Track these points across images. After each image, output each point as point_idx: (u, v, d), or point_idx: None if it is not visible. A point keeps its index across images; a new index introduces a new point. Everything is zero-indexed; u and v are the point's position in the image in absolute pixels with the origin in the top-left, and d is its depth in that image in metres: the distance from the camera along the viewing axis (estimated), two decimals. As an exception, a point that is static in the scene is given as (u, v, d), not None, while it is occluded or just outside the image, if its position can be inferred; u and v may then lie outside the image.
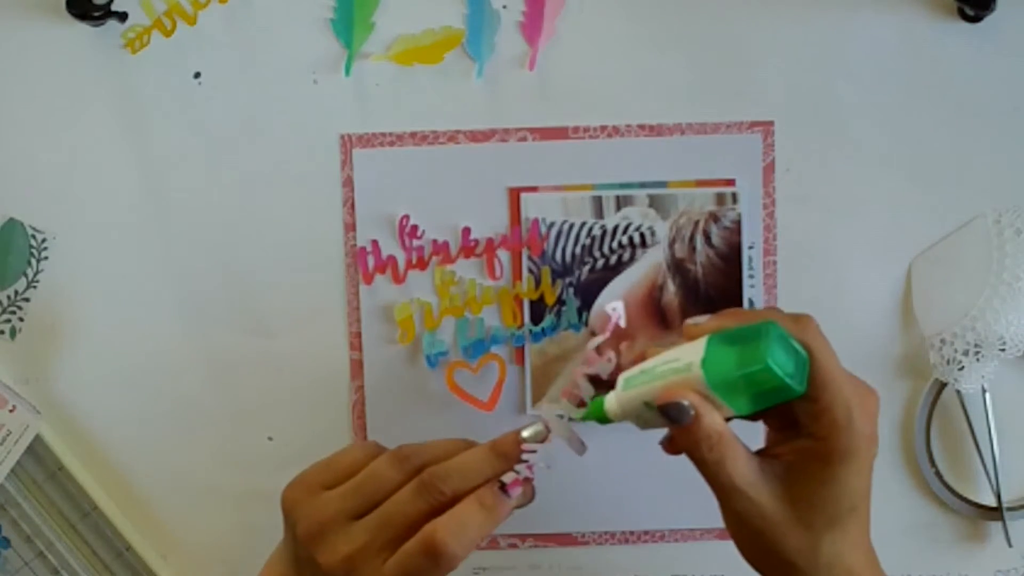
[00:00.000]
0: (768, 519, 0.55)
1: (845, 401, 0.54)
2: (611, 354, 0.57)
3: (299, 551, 0.57)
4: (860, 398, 0.54)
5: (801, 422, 0.55)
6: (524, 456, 0.56)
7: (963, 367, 0.72)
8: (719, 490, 0.55)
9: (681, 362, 0.54)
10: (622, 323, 0.58)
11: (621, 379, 0.57)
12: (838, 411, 0.53)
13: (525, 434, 0.57)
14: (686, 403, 0.52)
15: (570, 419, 0.57)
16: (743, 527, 0.56)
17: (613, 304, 0.59)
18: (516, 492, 0.56)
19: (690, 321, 0.57)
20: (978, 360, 0.72)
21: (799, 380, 0.52)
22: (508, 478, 0.56)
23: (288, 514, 0.58)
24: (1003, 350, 0.72)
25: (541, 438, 0.56)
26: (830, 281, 0.74)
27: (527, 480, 0.56)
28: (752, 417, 0.56)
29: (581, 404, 0.57)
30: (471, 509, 0.55)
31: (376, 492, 0.57)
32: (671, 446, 0.57)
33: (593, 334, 0.73)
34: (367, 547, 0.55)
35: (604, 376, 0.57)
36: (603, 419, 0.57)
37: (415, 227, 0.73)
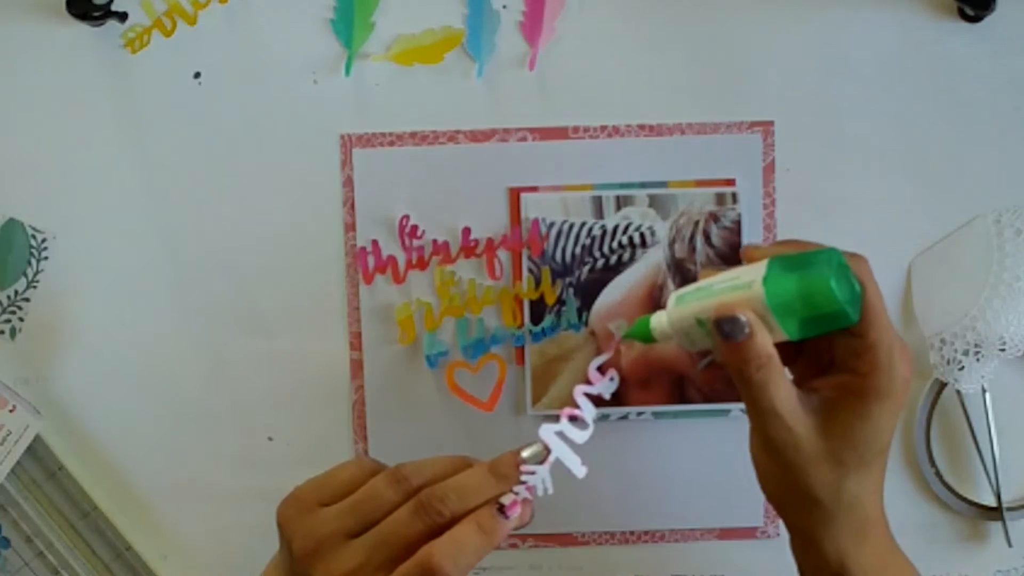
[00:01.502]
0: (801, 450, 0.55)
1: (889, 341, 0.55)
2: (613, 372, 0.57)
3: (295, 568, 0.57)
4: (900, 342, 0.55)
5: (841, 358, 0.56)
6: (523, 477, 0.56)
7: (963, 367, 0.72)
8: (758, 413, 0.55)
9: (741, 280, 0.54)
10: (619, 336, 0.58)
11: (673, 296, 0.57)
12: (882, 350, 0.54)
13: (524, 455, 0.56)
14: (743, 318, 0.53)
15: (618, 338, 0.58)
16: (773, 457, 0.57)
17: (617, 322, 0.59)
18: (514, 514, 0.56)
19: (750, 244, 0.57)
20: (978, 360, 0.72)
21: (854, 310, 0.53)
22: (507, 499, 0.56)
23: (284, 530, 0.58)
24: (1003, 350, 0.72)
25: (540, 459, 0.56)
26: (830, 281, 0.74)
27: (526, 501, 0.56)
28: (788, 358, 0.57)
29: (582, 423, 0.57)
30: (468, 531, 0.55)
31: (373, 511, 0.56)
32: (706, 375, 0.58)
33: (593, 334, 0.73)
34: (363, 567, 0.55)
35: (607, 396, 0.57)
36: (648, 339, 0.58)
37: (415, 227, 0.73)
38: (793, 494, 0.57)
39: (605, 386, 0.57)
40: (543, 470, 0.56)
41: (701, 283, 0.56)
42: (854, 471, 0.56)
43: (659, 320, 0.57)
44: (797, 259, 0.54)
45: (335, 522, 0.56)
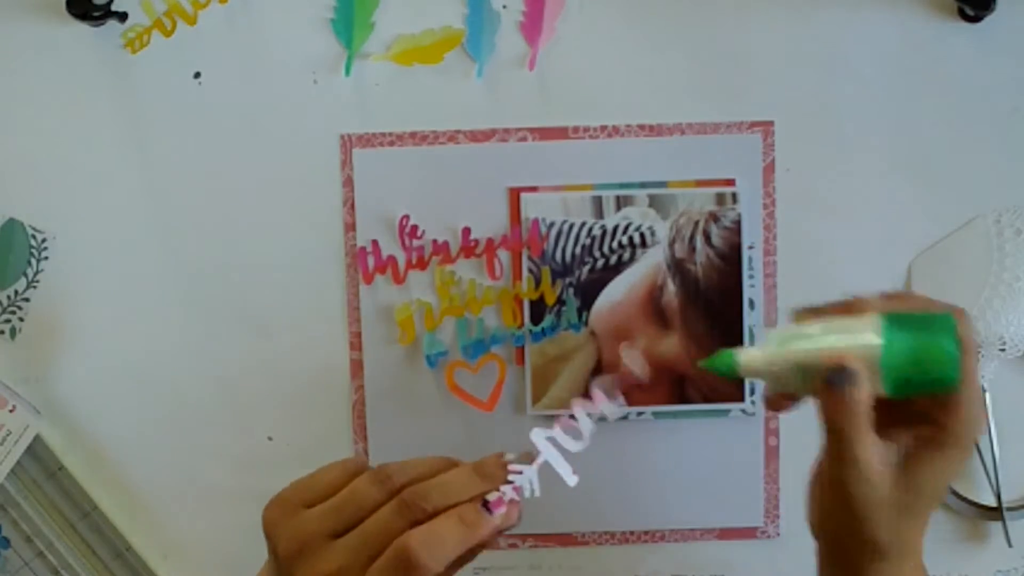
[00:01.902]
0: (875, 503, 0.55)
1: (978, 396, 0.56)
2: (622, 399, 0.56)
3: (280, 570, 0.57)
4: (979, 400, 0.58)
5: (926, 408, 0.56)
6: (510, 477, 0.55)
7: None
8: (840, 462, 0.55)
9: (855, 333, 0.54)
10: (644, 376, 0.58)
11: (773, 335, 0.57)
12: (971, 406, 0.55)
13: (510, 455, 0.56)
14: (855, 371, 0.53)
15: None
16: (841, 503, 0.57)
17: (630, 353, 0.58)
18: (499, 511, 0.55)
19: (860, 296, 0.57)
20: (978, 360, 0.72)
21: (958, 374, 0.54)
22: (492, 496, 0.55)
23: (269, 534, 0.57)
24: (1003, 350, 0.72)
25: (527, 460, 0.55)
26: (830, 281, 0.74)
27: (513, 502, 0.55)
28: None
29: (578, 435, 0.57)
30: (448, 523, 0.54)
31: (357, 511, 0.56)
32: (774, 403, 0.59)
33: (593, 334, 0.73)
34: (348, 566, 0.55)
35: (611, 418, 0.57)
36: (731, 373, 0.58)
37: (415, 227, 0.73)
38: (852, 536, 0.57)
39: (609, 409, 0.56)
40: (530, 471, 0.55)
41: (803, 328, 0.56)
42: (916, 516, 0.56)
43: (751, 356, 0.57)
44: (913, 320, 0.54)
45: (318, 523, 0.56)
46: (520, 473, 0.55)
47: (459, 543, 0.54)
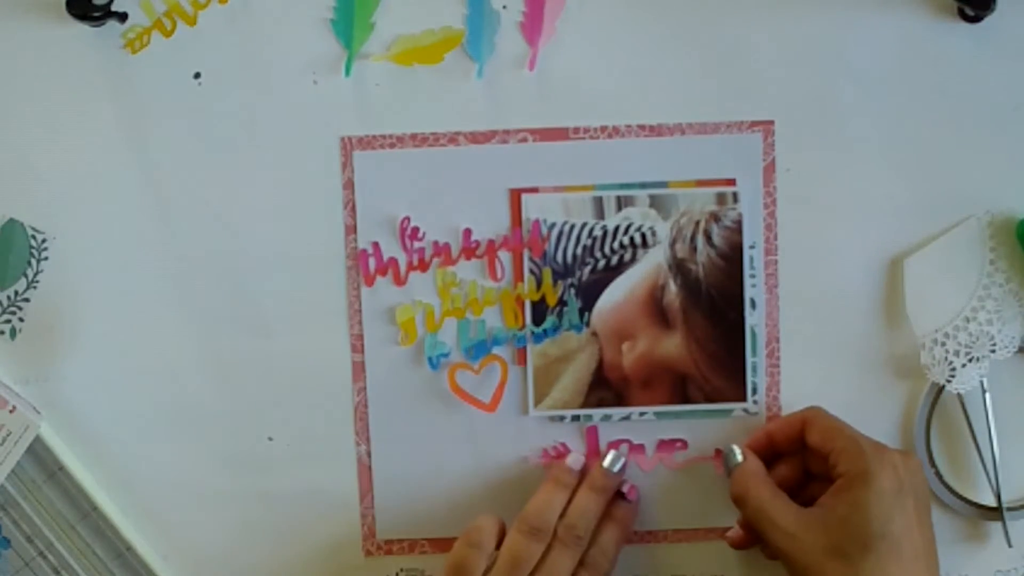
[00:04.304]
0: (809, 557, 0.66)
1: (851, 439, 0.68)
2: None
3: None
4: (868, 440, 0.69)
5: (831, 474, 0.69)
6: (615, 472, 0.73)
7: (955, 368, 0.73)
8: None
9: None
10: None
11: None
12: (848, 448, 0.68)
13: (606, 465, 0.73)
14: None
15: None
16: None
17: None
18: (635, 496, 0.74)
19: None
20: (970, 361, 0.73)
21: None
22: (624, 488, 0.73)
23: None
24: (994, 351, 0.73)
25: (620, 463, 0.73)
26: (830, 281, 0.75)
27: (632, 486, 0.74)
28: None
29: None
30: (607, 528, 0.72)
31: (527, 566, 0.69)
32: None
33: (595, 335, 0.74)
34: None
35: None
36: None
37: (416, 229, 0.74)
38: None
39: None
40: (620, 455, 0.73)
41: None
42: (862, 561, 0.65)
43: None
44: None
45: None
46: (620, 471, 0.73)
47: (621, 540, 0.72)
